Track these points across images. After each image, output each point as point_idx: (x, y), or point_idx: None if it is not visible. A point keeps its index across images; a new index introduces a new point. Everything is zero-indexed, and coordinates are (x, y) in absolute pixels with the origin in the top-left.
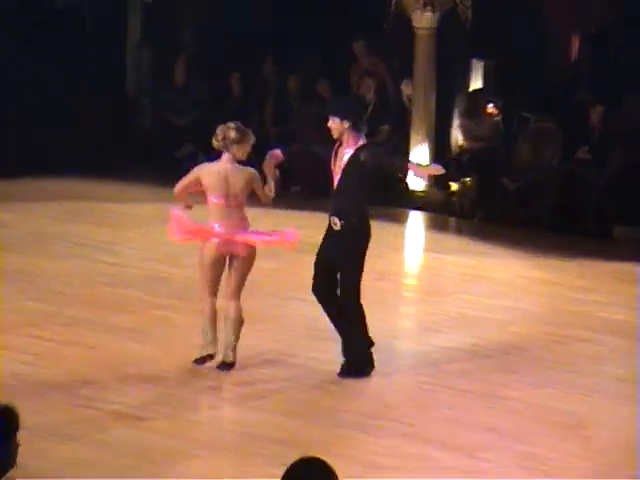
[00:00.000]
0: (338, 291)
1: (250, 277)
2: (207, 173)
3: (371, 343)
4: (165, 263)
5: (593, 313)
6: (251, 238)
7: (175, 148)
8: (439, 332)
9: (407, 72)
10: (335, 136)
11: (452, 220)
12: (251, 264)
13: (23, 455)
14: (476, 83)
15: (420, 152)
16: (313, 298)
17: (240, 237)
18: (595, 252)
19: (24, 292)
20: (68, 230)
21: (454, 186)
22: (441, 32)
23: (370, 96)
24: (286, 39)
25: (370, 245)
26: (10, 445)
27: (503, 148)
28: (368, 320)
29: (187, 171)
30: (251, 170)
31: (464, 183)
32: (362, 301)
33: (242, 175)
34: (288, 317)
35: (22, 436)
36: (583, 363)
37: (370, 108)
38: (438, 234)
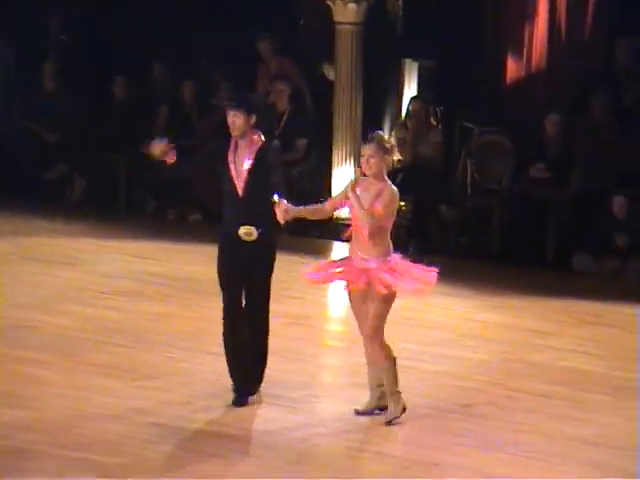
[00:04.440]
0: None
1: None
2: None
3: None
4: (34, 310)
5: (553, 362)
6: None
7: (45, 168)
8: (367, 388)
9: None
10: (237, 134)
11: None
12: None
13: None
14: (410, 87)
15: (344, 171)
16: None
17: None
18: (554, 287)
19: None
20: None
21: None
22: (367, 28)
23: (283, 104)
24: (177, 38)
25: (284, 284)
26: None
27: (442, 165)
28: (280, 375)
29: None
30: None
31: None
32: (272, 349)
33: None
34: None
35: None
36: (539, 422)
37: (284, 119)
38: None
